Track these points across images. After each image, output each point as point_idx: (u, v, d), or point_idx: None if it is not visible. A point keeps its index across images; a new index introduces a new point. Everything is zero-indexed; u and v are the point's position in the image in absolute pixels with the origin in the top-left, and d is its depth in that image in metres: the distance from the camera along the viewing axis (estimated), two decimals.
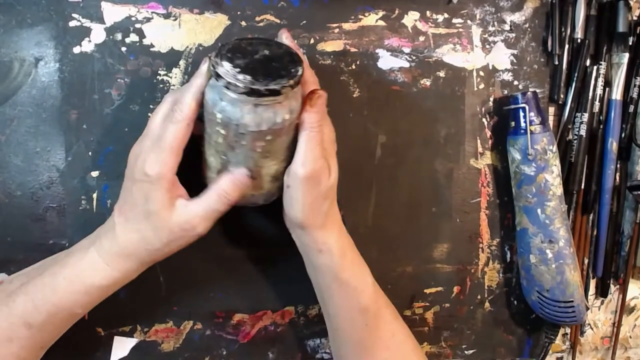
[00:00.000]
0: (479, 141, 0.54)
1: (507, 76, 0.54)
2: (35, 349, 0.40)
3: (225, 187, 0.39)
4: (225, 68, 0.35)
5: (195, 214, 0.39)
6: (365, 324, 0.44)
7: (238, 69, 0.35)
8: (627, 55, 0.54)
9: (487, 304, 0.56)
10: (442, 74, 0.53)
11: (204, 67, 0.38)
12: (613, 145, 0.55)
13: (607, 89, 0.55)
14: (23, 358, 0.40)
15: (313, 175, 0.39)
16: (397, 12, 0.52)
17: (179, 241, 0.40)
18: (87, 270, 0.39)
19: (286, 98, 0.37)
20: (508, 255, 0.56)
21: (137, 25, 0.47)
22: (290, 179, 0.40)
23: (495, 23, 0.53)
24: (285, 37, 0.43)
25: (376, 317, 0.45)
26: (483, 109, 0.54)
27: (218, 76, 0.35)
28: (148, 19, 0.47)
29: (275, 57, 0.38)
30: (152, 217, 0.39)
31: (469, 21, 0.53)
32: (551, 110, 0.55)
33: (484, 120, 0.54)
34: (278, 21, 0.49)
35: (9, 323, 0.39)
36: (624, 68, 0.54)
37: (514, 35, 0.54)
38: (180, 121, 0.37)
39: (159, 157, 0.37)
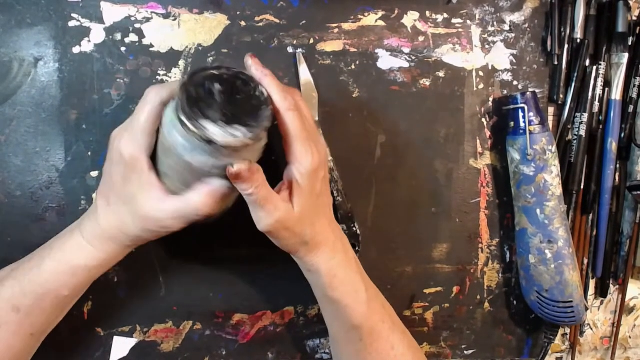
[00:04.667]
0: (478, 141, 0.54)
1: (507, 76, 0.54)
2: (24, 335, 0.40)
3: (204, 201, 0.38)
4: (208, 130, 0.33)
5: (170, 215, 0.38)
6: (359, 339, 0.44)
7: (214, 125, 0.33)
8: (626, 55, 0.54)
9: (486, 304, 0.56)
10: (441, 74, 0.53)
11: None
12: (613, 145, 0.55)
13: (606, 89, 0.55)
14: (13, 345, 0.40)
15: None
16: (396, 12, 0.52)
17: (153, 233, 0.40)
18: (72, 252, 0.40)
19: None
20: (508, 256, 0.56)
21: (137, 25, 0.47)
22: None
23: (495, 23, 0.53)
24: (251, 63, 0.39)
25: (371, 334, 0.44)
26: (482, 109, 0.54)
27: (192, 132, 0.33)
28: (147, 19, 0.47)
29: (243, 96, 0.35)
30: (131, 201, 0.39)
31: (468, 21, 0.53)
32: (551, 110, 0.55)
33: (483, 120, 0.54)
34: (278, 21, 0.49)
35: None
36: (623, 68, 0.54)
37: (513, 35, 0.54)
38: (153, 101, 0.37)
39: (132, 137, 0.37)
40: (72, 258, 0.40)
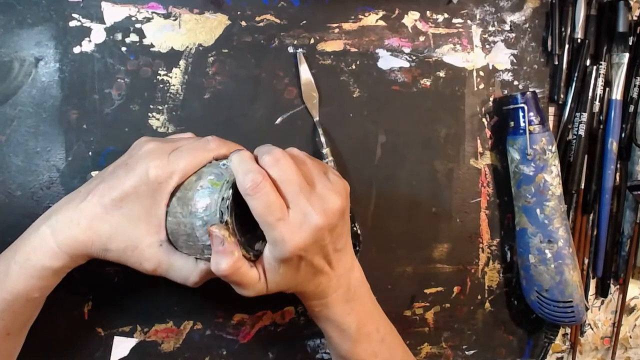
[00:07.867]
0: (478, 141, 0.54)
1: (507, 76, 0.54)
2: (1, 336, 0.39)
3: (197, 281, 0.42)
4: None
5: (158, 265, 0.41)
6: None
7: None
8: (627, 55, 0.54)
9: (487, 304, 0.56)
10: (442, 74, 0.53)
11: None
12: (613, 145, 0.55)
13: (607, 88, 0.55)
14: None
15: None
16: (397, 12, 0.52)
17: (125, 262, 0.41)
18: (43, 258, 0.38)
19: None
20: (508, 255, 0.56)
21: (137, 25, 0.47)
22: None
23: (495, 23, 0.53)
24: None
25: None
26: (483, 109, 0.54)
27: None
28: (148, 19, 0.47)
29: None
30: (132, 222, 0.39)
31: (469, 21, 0.53)
32: (551, 110, 0.55)
33: (483, 120, 0.54)
34: (278, 21, 0.49)
35: None
36: (624, 68, 0.54)
37: (514, 35, 0.54)
38: (199, 160, 0.39)
39: (167, 169, 0.38)
40: (43, 264, 0.38)
